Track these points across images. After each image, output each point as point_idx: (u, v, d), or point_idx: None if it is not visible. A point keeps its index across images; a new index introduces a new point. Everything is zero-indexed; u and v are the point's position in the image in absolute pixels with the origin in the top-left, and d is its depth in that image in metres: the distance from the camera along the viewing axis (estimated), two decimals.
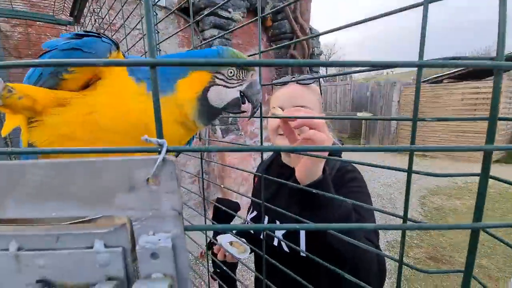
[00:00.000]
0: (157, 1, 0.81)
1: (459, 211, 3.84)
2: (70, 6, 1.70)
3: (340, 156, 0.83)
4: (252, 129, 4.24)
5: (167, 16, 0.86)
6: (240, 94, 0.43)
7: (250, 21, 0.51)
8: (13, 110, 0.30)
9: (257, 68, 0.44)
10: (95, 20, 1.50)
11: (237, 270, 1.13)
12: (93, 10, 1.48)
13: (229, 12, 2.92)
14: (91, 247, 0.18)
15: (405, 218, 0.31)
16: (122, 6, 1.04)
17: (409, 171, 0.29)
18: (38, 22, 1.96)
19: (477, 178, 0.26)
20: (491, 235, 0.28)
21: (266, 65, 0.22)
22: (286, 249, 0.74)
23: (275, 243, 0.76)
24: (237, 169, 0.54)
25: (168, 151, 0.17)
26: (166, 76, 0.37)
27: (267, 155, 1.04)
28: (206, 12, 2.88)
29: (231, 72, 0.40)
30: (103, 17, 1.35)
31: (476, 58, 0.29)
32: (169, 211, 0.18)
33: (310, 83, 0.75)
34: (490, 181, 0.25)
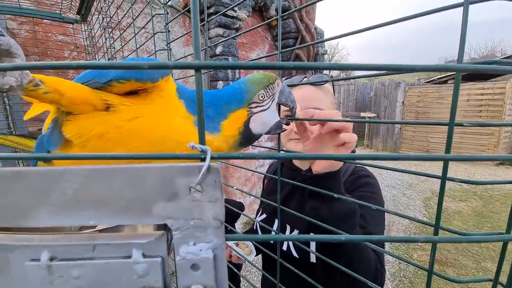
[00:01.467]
0: (168, 1, 0.80)
1: (464, 213, 3.80)
2: (78, 5, 1.70)
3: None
4: None
5: (177, 16, 0.85)
6: (278, 107, 0.44)
7: (265, 22, 0.50)
8: (39, 100, 0.29)
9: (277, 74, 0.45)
10: (103, 19, 1.49)
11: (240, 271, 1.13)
12: (101, 9, 1.48)
13: (235, 11, 2.90)
14: (129, 257, 0.18)
15: (436, 231, 0.29)
16: (132, 5, 1.03)
17: (444, 178, 0.28)
18: (45, 20, 1.96)
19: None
20: None
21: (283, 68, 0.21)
22: (295, 254, 0.73)
23: (284, 247, 0.75)
24: (245, 169, 0.53)
25: (212, 158, 0.16)
26: (212, 118, 0.39)
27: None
28: (211, 11, 2.87)
29: (261, 96, 0.42)
30: (111, 16, 1.34)
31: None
32: (212, 221, 0.17)
33: (323, 83, 0.74)
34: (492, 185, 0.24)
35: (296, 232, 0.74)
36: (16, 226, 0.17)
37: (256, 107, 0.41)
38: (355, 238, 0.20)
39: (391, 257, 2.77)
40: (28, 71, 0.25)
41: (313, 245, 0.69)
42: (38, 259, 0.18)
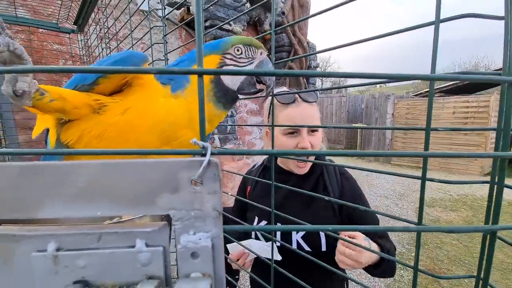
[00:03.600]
0: (167, 14, 0.84)
1: (455, 223, 3.86)
2: (75, 15, 1.73)
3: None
4: (250, 138, 4.26)
5: (175, 29, 0.89)
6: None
7: (260, 35, 0.53)
8: (43, 111, 0.31)
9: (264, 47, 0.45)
10: (100, 29, 1.52)
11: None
12: (99, 20, 1.51)
13: (230, 24, 3.00)
14: (133, 247, 0.19)
15: (419, 222, 0.32)
16: (130, 17, 1.07)
17: (423, 179, 0.30)
18: (40, 30, 1.98)
19: (470, 192, 0.27)
20: (503, 239, 0.30)
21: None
22: (307, 248, 0.78)
23: (294, 245, 0.79)
24: (240, 174, 0.54)
25: (212, 154, 0.18)
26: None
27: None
28: (207, 24, 2.95)
29: (238, 50, 0.41)
30: (109, 27, 1.37)
31: (483, 73, 0.31)
32: (211, 212, 0.19)
33: (315, 101, 0.80)
34: (484, 192, 0.26)
35: (301, 231, 0.78)
36: (30, 217, 0.18)
37: (230, 59, 0.41)
38: (343, 228, 0.22)
39: None
40: (35, 81, 0.27)
41: (323, 237, 0.78)
42: (45, 250, 0.19)
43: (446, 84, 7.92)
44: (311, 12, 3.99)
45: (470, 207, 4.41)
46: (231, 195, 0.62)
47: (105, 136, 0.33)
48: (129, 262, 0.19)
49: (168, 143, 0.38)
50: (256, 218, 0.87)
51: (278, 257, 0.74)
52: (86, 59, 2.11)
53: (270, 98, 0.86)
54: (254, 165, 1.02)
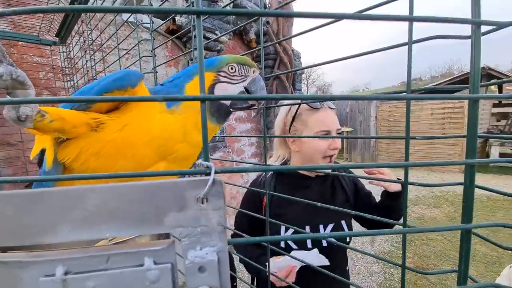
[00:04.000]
0: (157, 27, 0.85)
1: (439, 219, 4.02)
2: (57, 27, 1.70)
3: None
4: (239, 145, 4.26)
5: (164, 43, 0.90)
6: (246, 90, 0.45)
7: (255, 48, 0.55)
8: (43, 131, 0.31)
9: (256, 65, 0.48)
10: (84, 41, 1.50)
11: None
12: (83, 32, 1.49)
13: (216, 34, 3.04)
14: (141, 265, 0.20)
15: (404, 224, 0.35)
16: (117, 30, 1.07)
17: (406, 183, 0.33)
18: (20, 42, 1.92)
19: (451, 189, 0.31)
20: (478, 235, 0.33)
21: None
22: (334, 240, 0.84)
23: (324, 243, 0.86)
24: (233, 184, 0.56)
25: (216, 172, 0.20)
26: (176, 84, 0.41)
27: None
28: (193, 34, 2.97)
29: (231, 68, 0.43)
30: (94, 39, 1.36)
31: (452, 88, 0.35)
32: (216, 227, 0.20)
33: (335, 108, 0.93)
34: (463, 188, 0.29)
35: (331, 226, 0.88)
36: (37, 243, 0.19)
37: (224, 76, 0.43)
38: (337, 235, 0.24)
39: (376, 268, 2.82)
40: (36, 105, 0.27)
41: (346, 229, 0.89)
42: (53, 274, 0.20)
43: (425, 87, 8.32)
44: (294, 21, 4.12)
45: (452, 203, 4.61)
46: (232, 207, 0.63)
47: (102, 153, 0.33)
48: (138, 281, 0.20)
49: (165, 157, 0.39)
50: (283, 228, 0.87)
51: (326, 262, 0.79)
52: (69, 71, 2.06)
53: (284, 111, 0.96)
54: (259, 176, 1.00)
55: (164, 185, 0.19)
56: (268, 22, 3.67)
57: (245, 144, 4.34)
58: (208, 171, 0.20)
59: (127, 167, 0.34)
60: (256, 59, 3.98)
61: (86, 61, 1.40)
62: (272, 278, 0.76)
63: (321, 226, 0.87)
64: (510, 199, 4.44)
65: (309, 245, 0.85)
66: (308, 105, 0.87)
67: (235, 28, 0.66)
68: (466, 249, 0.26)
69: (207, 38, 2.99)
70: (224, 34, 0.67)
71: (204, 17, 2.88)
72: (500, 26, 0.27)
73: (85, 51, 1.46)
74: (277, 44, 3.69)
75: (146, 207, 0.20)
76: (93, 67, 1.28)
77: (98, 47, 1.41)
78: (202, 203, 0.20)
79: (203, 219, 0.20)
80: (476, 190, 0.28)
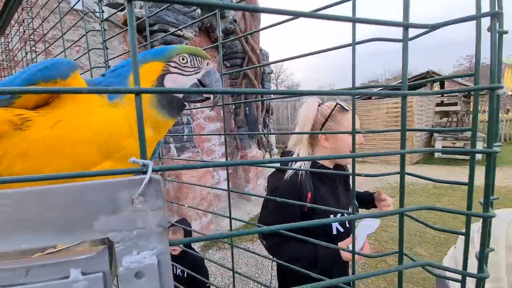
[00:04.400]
0: (108, 17, 0.78)
1: (395, 206, 4.43)
2: None
3: None
4: (209, 145, 4.18)
5: (117, 34, 0.83)
6: (200, 83, 0.42)
7: (212, 45, 0.54)
8: None
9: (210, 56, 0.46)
10: (24, 31, 1.32)
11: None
12: (23, 21, 1.31)
13: (181, 30, 2.92)
14: (67, 277, 0.18)
15: (353, 212, 0.38)
16: (62, 18, 0.96)
17: (353, 174, 0.36)
18: None
19: (407, 179, 0.34)
20: (412, 217, 0.36)
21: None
22: (341, 229, 0.98)
23: (334, 231, 0.96)
24: (201, 185, 0.54)
25: (154, 170, 0.18)
26: (119, 74, 0.37)
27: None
28: (155, 28, 2.82)
29: (183, 59, 0.40)
30: (34, 29, 1.20)
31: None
32: (155, 228, 0.19)
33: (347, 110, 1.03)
34: (415, 179, 0.33)
35: (350, 210, 0.99)
36: None
37: (174, 67, 0.40)
38: (315, 223, 0.24)
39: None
40: None
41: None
42: None
43: (369, 85, 9.08)
44: (262, 20, 4.16)
45: (407, 193, 5.13)
46: (188, 206, 0.61)
47: (30, 153, 0.29)
48: None
49: (110, 155, 0.35)
50: (332, 216, 0.96)
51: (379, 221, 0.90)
52: (7, 64, 1.80)
53: (310, 111, 1.07)
54: (293, 177, 1.00)
55: (93, 186, 0.18)
56: (235, 21, 3.65)
57: (215, 143, 4.26)
58: (145, 169, 0.18)
59: (65, 168, 0.30)
60: (224, 57, 3.93)
61: (26, 53, 1.24)
62: (348, 255, 0.89)
63: (350, 209, 1.04)
64: (454, 187, 5.08)
65: (346, 229, 0.99)
66: (341, 107, 1.02)
67: (195, 21, 0.64)
68: (400, 230, 0.28)
69: (166, 31, 2.86)
70: (185, 27, 0.64)
71: (151, 6, 2.73)
72: (431, 28, 0.29)
73: (25, 42, 1.28)
74: (245, 43, 3.69)
75: (71, 212, 0.17)
76: (34, 59, 1.13)
77: (40, 38, 1.25)
78: (138, 204, 0.18)
79: (140, 221, 0.19)
80: (424, 180, 0.31)
